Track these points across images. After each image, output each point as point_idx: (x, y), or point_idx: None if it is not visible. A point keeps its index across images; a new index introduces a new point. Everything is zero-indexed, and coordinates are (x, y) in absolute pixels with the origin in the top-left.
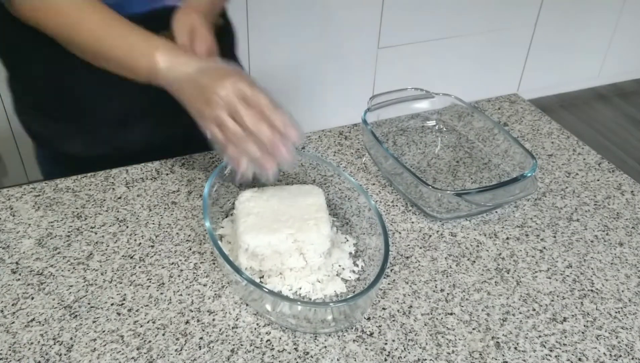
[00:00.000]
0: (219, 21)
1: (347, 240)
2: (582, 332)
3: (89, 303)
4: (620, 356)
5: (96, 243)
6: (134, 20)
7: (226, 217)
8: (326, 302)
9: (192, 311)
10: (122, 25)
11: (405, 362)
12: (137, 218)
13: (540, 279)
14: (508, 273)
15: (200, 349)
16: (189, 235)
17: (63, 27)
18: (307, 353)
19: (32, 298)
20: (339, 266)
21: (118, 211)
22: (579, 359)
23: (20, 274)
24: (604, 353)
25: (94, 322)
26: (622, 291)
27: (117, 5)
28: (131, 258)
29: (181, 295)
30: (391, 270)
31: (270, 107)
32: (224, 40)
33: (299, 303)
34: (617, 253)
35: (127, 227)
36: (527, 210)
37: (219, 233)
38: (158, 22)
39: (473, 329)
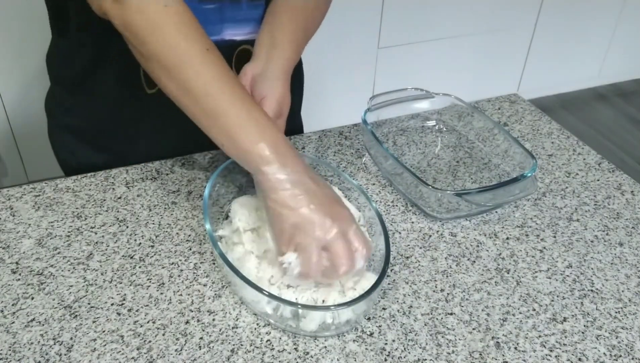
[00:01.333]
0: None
1: None
2: (582, 332)
3: (89, 303)
4: (620, 356)
5: (96, 243)
6: None
7: (226, 218)
8: (327, 305)
9: (192, 311)
10: (241, 88)
11: (405, 362)
12: (137, 218)
13: (540, 279)
14: (508, 273)
15: (200, 349)
16: (189, 235)
17: (177, 57)
18: (307, 353)
19: (32, 298)
20: None
21: (118, 211)
22: (579, 359)
23: (20, 274)
24: (604, 353)
25: (94, 322)
26: (622, 291)
27: None
28: (131, 258)
29: (181, 295)
30: (391, 270)
31: (362, 255)
32: (294, 98)
33: (299, 306)
34: (617, 253)
35: (127, 227)
36: (527, 210)
37: (218, 234)
38: (225, 54)
39: (473, 329)
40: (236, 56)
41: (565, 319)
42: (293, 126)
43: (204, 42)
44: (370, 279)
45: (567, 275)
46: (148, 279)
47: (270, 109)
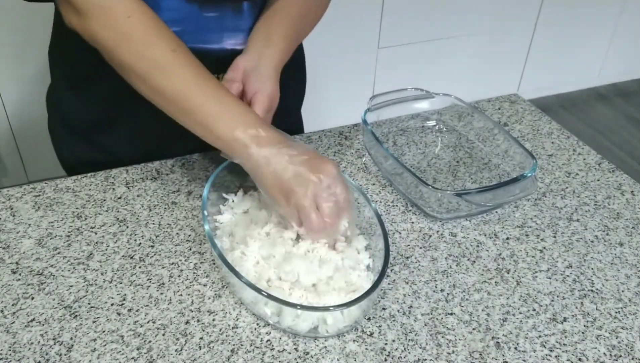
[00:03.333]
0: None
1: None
2: (582, 332)
3: (89, 303)
4: (621, 356)
5: (96, 243)
6: (200, 57)
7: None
8: (326, 306)
9: (192, 312)
10: (213, 80)
11: (405, 362)
12: (137, 218)
13: (541, 279)
14: (508, 273)
15: (200, 349)
16: (189, 235)
17: (145, 62)
18: (307, 353)
19: (32, 298)
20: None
21: (118, 211)
22: (579, 359)
23: (20, 274)
24: (604, 354)
25: (94, 322)
26: (622, 291)
27: (186, 39)
28: (131, 258)
29: (181, 295)
30: (391, 270)
31: (345, 205)
32: (294, 96)
33: (298, 307)
34: (617, 253)
35: (127, 227)
36: (527, 210)
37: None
38: (226, 64)
39: (473, 329)
40: None
41: (565, 319)
42: (293, 124)
43: (170, 45)
44: (361, 241)
45: (567, 275)
46: (148, 279)
47: (261, 104)
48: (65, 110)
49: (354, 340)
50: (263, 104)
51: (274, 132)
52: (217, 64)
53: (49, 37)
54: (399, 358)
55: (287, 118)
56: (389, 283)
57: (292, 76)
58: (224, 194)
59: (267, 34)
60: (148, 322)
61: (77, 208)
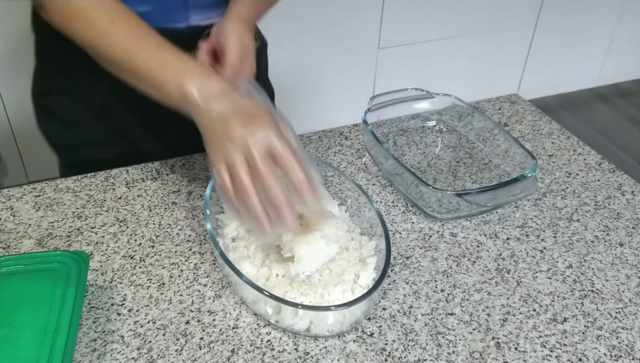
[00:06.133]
0: (257, 41)
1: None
2: (583, 333)
3: (89, 303)
4: (621, 356)
5: (96, 243)
6: (167, 36)
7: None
8: (327, 306)
9: (193, 312)
10: (155, 41)
11: (405, 362)
12: (137, 218)
13: (541, 279)
14: (508, 273)
15: (200, 349)
16: (189, 235)
17: (92, 38)
18: (308, 353)
19: None
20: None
21: (118, 212)
22: (580, 359)
23: None
24: (605, 354)
25: (94, 322)
26: (623, 291)
27: (151, 19)
28: (131, 258)
29: (181, 295)
30: (391, 270)
31: (293, 165)
32: (260, 61)
33: (300, 306)
34: (617, 254)
35: (128, 227)
36: (527, 210)
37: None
38: (193, 41)
39: (473, 329)
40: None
41: (565, 319)
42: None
43: (109, 17)
44: (333, 224)
45: (568, 275)
46: (148, 279)
47: (233, 49)
48: (60, 100)
49: (354, 340)
50: (235, 50)
51: (214, 80)
52: (185, 42)
53: None
54: (399, 358)
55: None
56: (389, 284)
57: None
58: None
59: None
60: (148, 322)
61: (77, 208)
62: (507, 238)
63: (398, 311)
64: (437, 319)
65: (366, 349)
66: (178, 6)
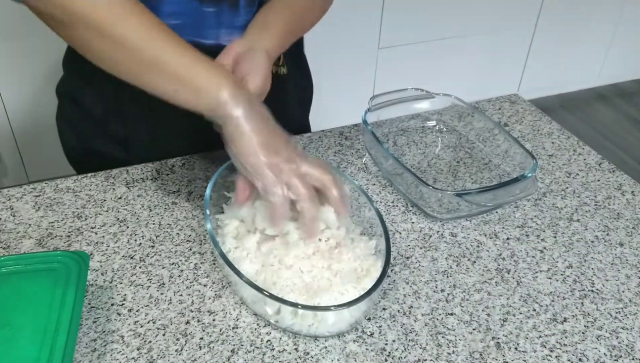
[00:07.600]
0: (283, 67)
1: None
2: (583, 333)
3: (89, 303)
4: (621, 357)
5: (96, 243)
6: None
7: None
8: (327, 306)
9: (193, 312)
10: (188, 46)
11: (405, 362)
12: (137, 218)
13: (541, 279)
14: (508, 273)
15: (200, 349)
16: (190, 235)
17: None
18: (308, 353)
19: None
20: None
21: (118, 212)
22: (580, 359)
23: None
24: (605, 354)
25: (94, 322)
26: (623, 291)
27: (182, 33)
28: (131, 258)
29: (181, 295)
30: (391, 270)
31: (331, 184)
32: (287, 89)
33: (299, 306)
34: (617, 254)
35: (128, 227)
36: (527, 210)
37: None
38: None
39: (473, 329)
40: None
41: (565, 319)
42: (300, 130)
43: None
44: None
45: (568, 276)
46: (148, 279)
47: (255, 85)
48: (76, 102)
49: (354, 340)
50: (257, 86)
51: (248, 93)
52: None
53: (49, 37)
54: (399, 358)
55: (295, 124)
56: (389, 284)
57: (299, 83)
58: (226, 193)
59: (264, 20)
60: (148, 322)
61: (77, 208)
62: (507, 238)
63: (398, 311)
64: (437, 319)
65: (366, 349)
66: (210, 23)
